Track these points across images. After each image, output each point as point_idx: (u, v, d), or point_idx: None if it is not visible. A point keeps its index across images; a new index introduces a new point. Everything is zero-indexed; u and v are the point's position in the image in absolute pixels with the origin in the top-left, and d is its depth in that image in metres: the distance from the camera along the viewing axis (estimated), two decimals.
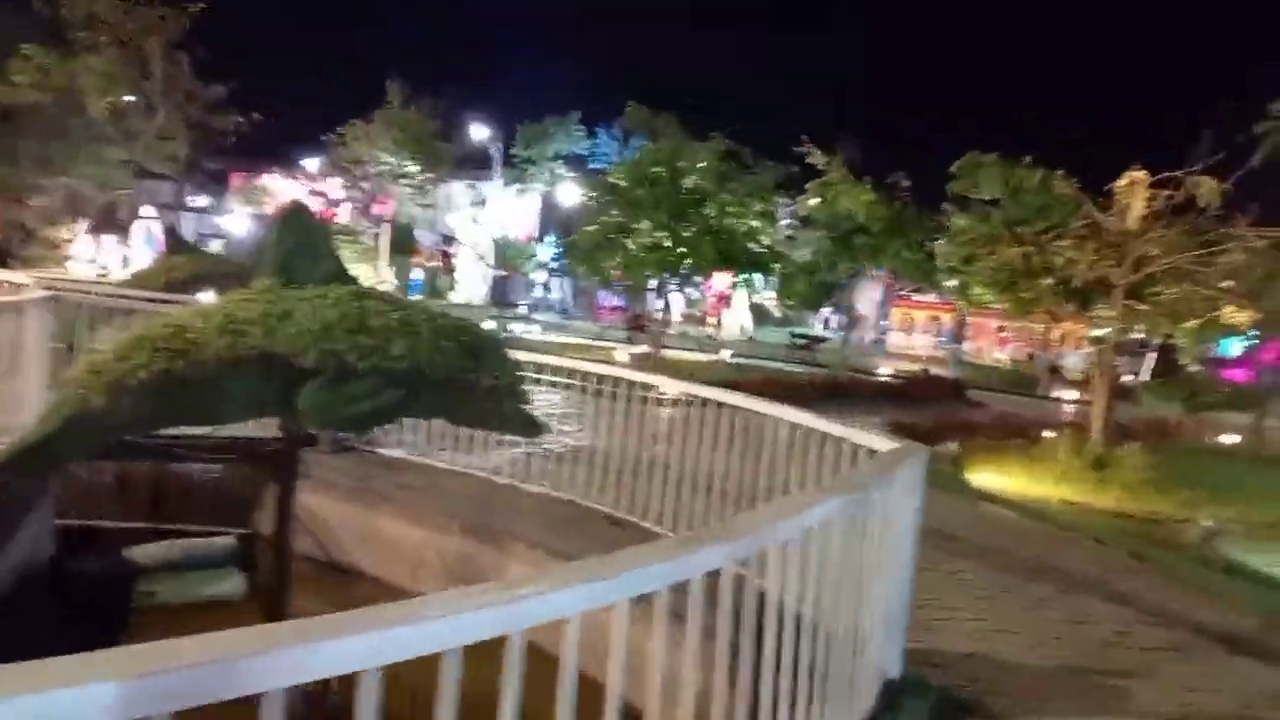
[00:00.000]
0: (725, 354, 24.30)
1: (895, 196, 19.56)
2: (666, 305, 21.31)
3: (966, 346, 37.64)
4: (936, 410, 17.62)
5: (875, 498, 3.46)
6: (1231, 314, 16.71)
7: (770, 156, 23.45)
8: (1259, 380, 19.65)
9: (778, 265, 18.10)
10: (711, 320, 39.58)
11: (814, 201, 18.85)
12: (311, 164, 34.81)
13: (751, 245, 16.97)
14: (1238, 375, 30.54)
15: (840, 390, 18.71)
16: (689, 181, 16.96)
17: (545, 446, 7.39)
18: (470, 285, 43.54)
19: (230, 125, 28.19)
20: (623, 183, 16.99)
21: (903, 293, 39.46)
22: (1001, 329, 36.83)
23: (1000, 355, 36.57)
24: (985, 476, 10.82)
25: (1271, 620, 6.15)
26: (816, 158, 19.38)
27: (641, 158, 16.99)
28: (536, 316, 36.36)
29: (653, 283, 20.30)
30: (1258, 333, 17.35)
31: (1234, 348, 33.97)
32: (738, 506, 5.81)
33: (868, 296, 34.12)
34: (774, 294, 53.45)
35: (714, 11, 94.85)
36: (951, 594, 6.11)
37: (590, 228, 17.45)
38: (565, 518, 6.77)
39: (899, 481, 3.90)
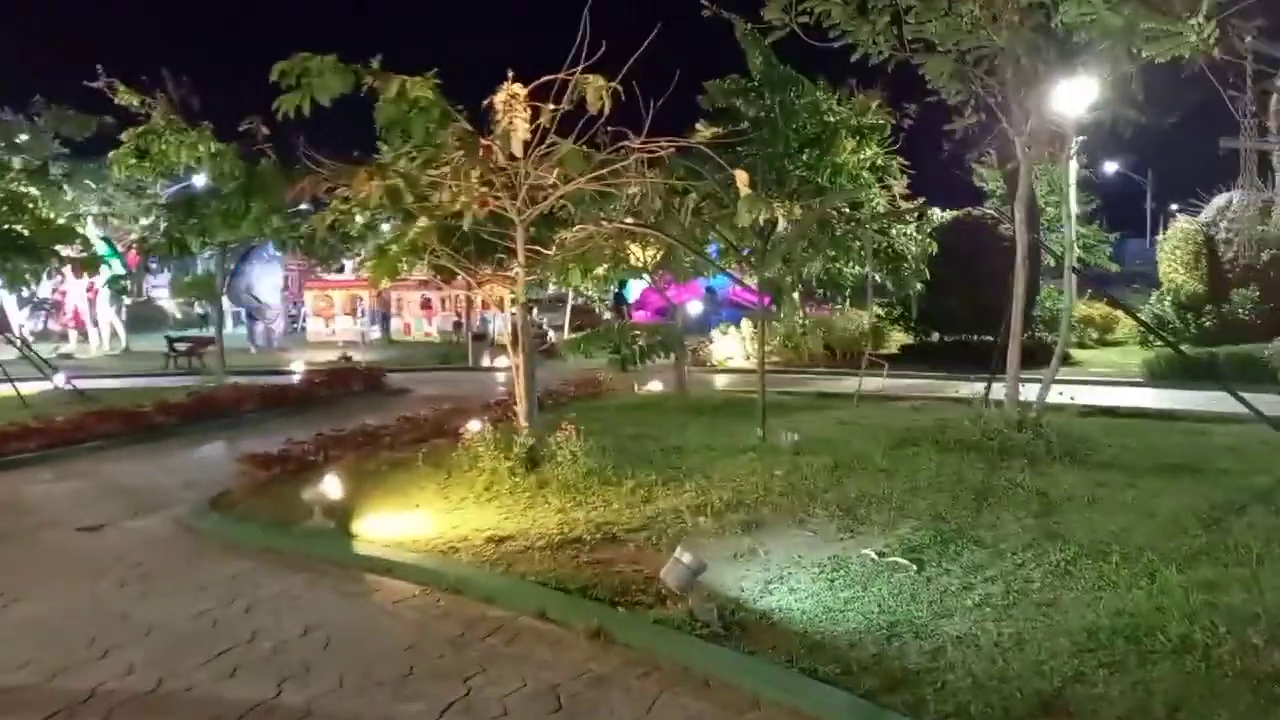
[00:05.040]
0: (58, 378, 17.56)
1: (253, 149, 15.13)
2: None
3: (393, 325, 34.69)
4: (340, 413, 13.90)
5: None
6: (637, 254, 15.89)
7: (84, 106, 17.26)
8: (668, 320, 19.63)
9: (71, 248, 12.47)
10: (72, 333, 30.64)
11: (128, 158, 13.55)
12: None
13: (13, 224, 11.19)
14: (643, 318, 32.38)
15: (216, 407, 13.91)
16: None
17: None
18: None
19: None
20: None
21: (317, 274, 34.90)
22: (426, 302, 34.58)
23: (429, 329, 34.34)
24: (389, 516, 7.38)
25: None
26: (127, 98, 14.04)
27: None
28: None
29: None
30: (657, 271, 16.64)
31: (635, 289, 36.30)
32: None
33: (268, 281, 28.87)
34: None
35: None
36: None
37: None
38: None
39: None
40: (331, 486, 7.55)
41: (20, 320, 29.56)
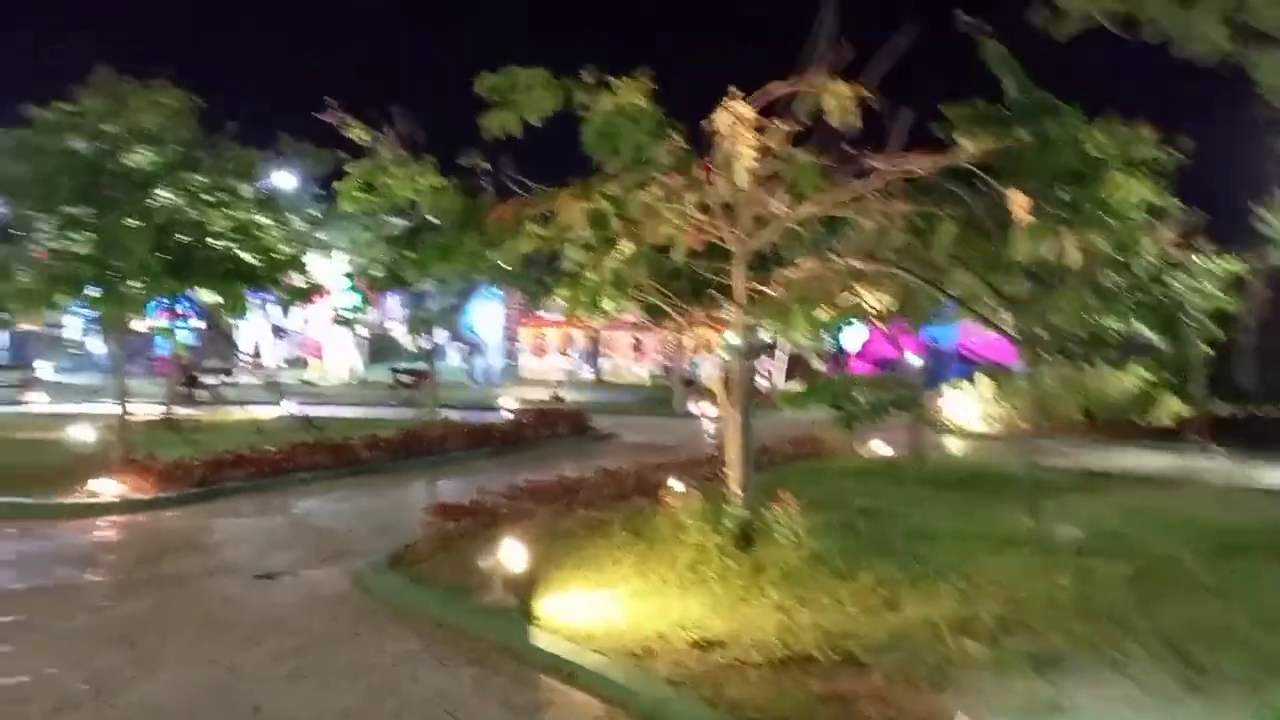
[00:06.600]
0: (286, 404, 18.35)
1: (472, 183, 15.01)
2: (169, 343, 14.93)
3: (604, 365, 34.59)
4: (542, 457, 13.22)
5: None
6: (869, 297, 14.16)
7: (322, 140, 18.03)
8: (897, 372, 17.70)
9: (296, 279, 12.62)
10: (314, 361, 32.85)
11: (354, 191, 13.68)
12: None
13: (246, 252, 11.36)
14: (862, 369, 30.13)
15: (422, 444, 13.65)
16: (142, 158, 10.97)
17: None
18: None
19: None
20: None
21: (536, 311, 35.52)
22: (637, 343, 34.25)
23: (639, 371, 33.91)
24: (578, 594, 6.27)
25: None
26: (356, 133, 14.24)
27: (40, 124, 10.54)
28: (67, 380, 27.52)
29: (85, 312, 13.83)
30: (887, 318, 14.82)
31: (851, 338, 33.87)
32: None
33: (487, 316, 29.54)
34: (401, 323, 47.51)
35: None
36: None
37: None
38: None
39: None
40: (517, 552, 6.55)
41: (275, 351, 32.04)
